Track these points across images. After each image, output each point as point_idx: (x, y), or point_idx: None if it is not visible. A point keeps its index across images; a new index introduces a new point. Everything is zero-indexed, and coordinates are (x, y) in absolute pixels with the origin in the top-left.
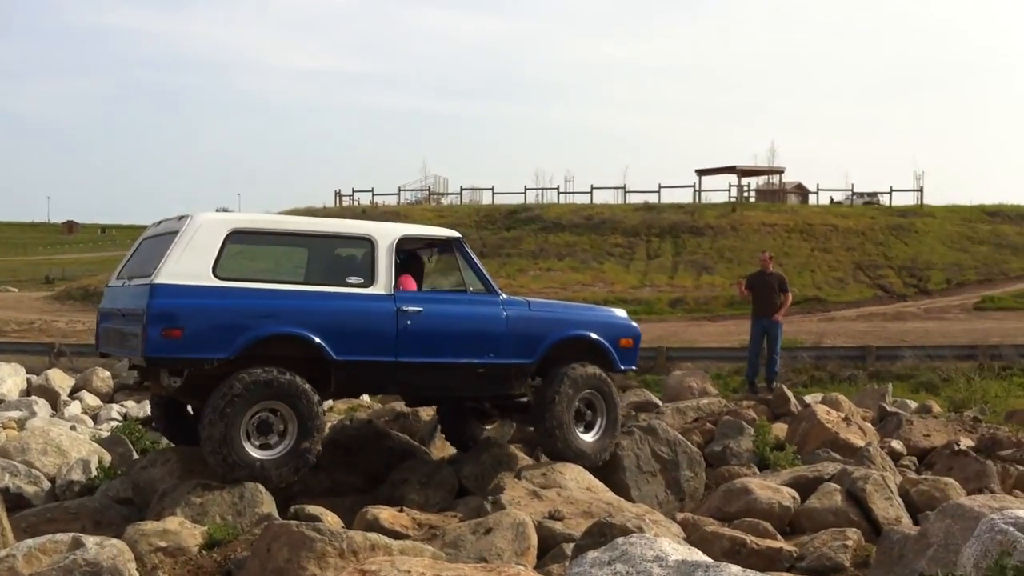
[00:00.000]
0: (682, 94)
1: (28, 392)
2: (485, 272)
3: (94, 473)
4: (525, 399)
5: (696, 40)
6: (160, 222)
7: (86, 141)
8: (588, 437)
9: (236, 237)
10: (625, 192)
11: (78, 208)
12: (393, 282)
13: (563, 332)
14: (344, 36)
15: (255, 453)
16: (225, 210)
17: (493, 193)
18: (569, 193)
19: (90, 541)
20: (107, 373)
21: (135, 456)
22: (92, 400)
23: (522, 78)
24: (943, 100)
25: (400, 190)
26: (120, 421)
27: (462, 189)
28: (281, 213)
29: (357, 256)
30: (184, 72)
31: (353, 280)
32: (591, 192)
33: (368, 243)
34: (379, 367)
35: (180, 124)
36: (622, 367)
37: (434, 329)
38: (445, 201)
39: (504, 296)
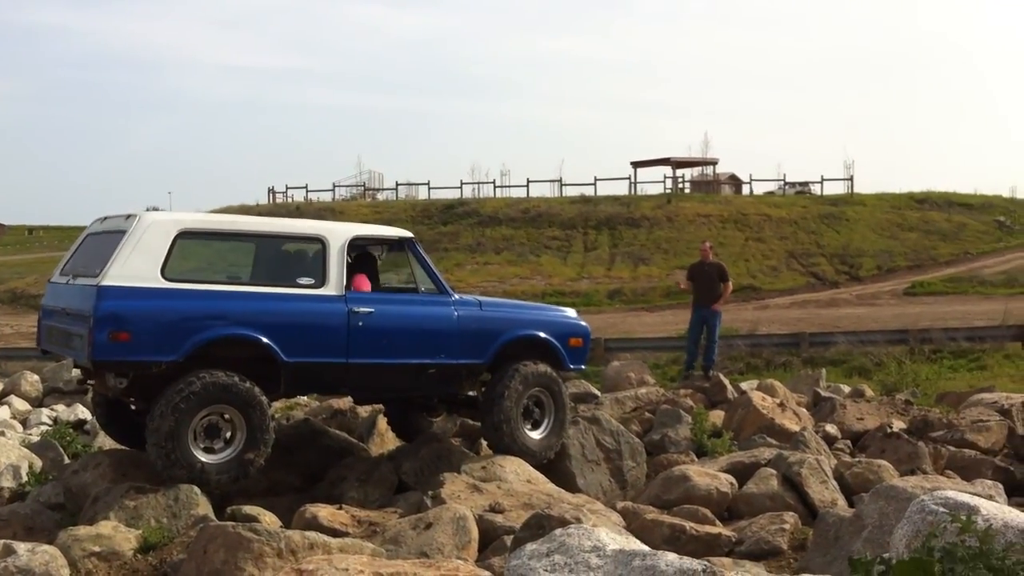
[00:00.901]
0: (616, 87)
1: None
2: (437, 272)
3: (24, 479)
4: (473, 394)
5: (628, 33)
6: (105, 219)
7: (11, 141)
8: (535, 434)
9: (185, 237)
10: (561, 185)
11: (3, 209)
12: (345, 282)
13: (513, 332)
14: (275, 31)
15: (199, 455)
16: (156, 209)
17: (429, 188)
18: (505, 187)
19: (22, 548)
20: (36, 377)
21: (66, 460)
22: (21, 405)
23: (456, 72)
24: (871, 90)
25: (335, 186)
26: (50, 425)
27: (398, 184)
28: (214, 211)
29: (308, 256)
30: (111, 70)
31: (304, 281)
32: (527, 186)
33: (319, 243)
34: (330, 368)
35: (108, 123)
36: (571, 366)
37: (385, 330)
38: (381, 196)
39: (455, 296)
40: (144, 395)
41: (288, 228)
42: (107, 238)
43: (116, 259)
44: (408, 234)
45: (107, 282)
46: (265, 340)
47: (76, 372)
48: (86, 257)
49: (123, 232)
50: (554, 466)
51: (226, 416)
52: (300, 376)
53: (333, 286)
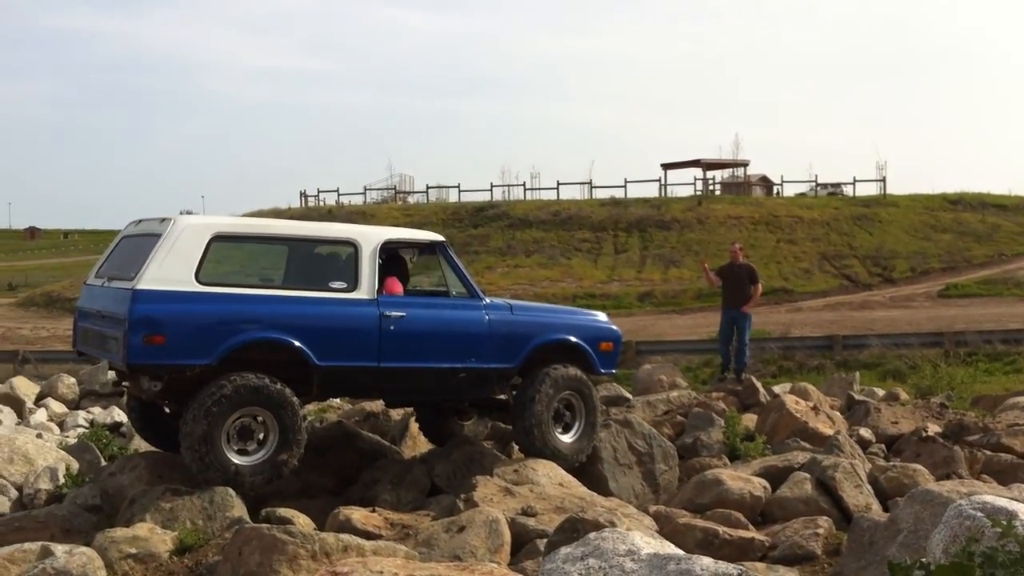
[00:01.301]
0: (646, 88)
1: None
2: (468, 276)
3: (62, 481)
4: (503, 398)
5: (658, 34)
6: (140, 222)
7: (47, 145)
8: (566, 438)
9: (219, 240)
10: (591, 187)
11: (40, 214)
12: (376, 286)
13: (544, 336)
14: (305, 35)
15: (233, 457)
16: (190, 212)
17: (459, 191)
18: (535, 189)
19: (59, 550)
20: (72, 380)
21: (103, 463)
22: (58, 407)
23: (486, 75)
24: (904, 90)
25: (366, 189)
26: (87, 428)
27: (428, 187)
28: (246, 215)
29: (340, 260)
30: (143, 74)
31: (336, 284)
32: (557, 188)
33: (352, 247)
34: (361, 372)
35: (141, 126)
36: (602, 370)
37: (416, 334)
38: (411, 200)
39: (487, 300)
40: (178, 398)
41: (320, 232)
42: (142, 241)
43: (151, 263)
44: (440, 238)
45: (142, 286)
46: (298, 344)
47: (112, 375)
48: (121, 260)
49: (158, 236)
50: (586, 469)
51: (259, 418)
52: (332, 379)
53: (365, 290)
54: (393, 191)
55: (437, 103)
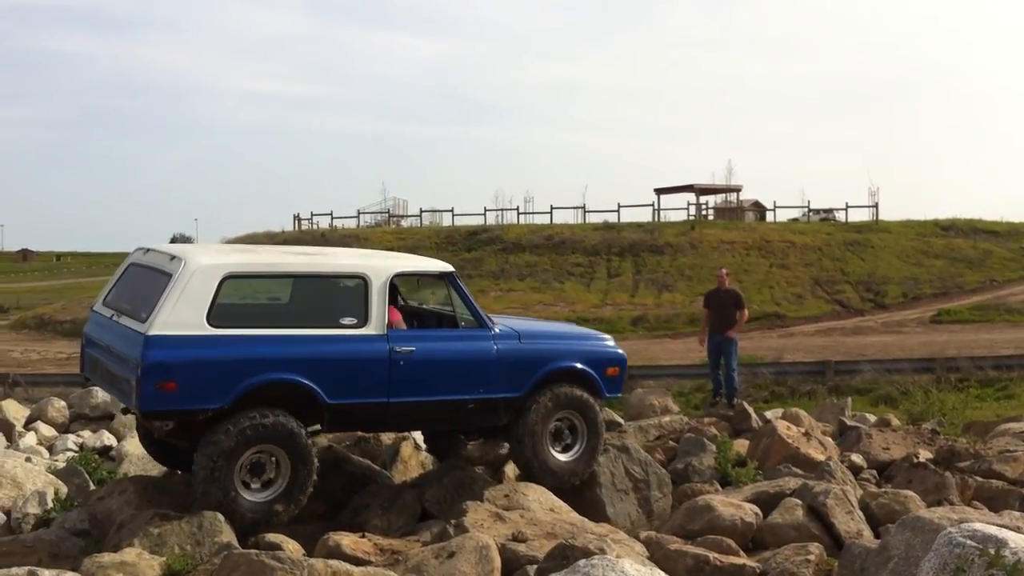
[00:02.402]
0: (639, 114)
1: None
2: (477, 305)
3: (50, 505)
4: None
5: (651, 59)
6: (148, 251)
7: (38, 168)
8: (562, 457)
9: (231, 280)
10: (585, 212)
11: (32, 236)
12: (386, 319)
13: (552, 365)
14: (299, 59)
15: (245, 494)
16: (184, 236)
17: (453, 215)
18: (529, 213)
19: (47, 574)
20: (62, 403)
21: (92, 487)
22: (47, 431)
23: (480, 99)
24: (896, 116)
25: (360, 213)
26: (76, 452)
27: (422, 211)
28: (240, 238)
29: (350, 295)
30: (136, 97)
31: (346, 321)
32: (551, 212)
33: (362, 282)
34: (371, 407)
35: (134, 149)
36: (607, 395)
37: (426, 368)
38: (405, 223)
39: (496, 329)
40: (189, 436)
41: (330, 268)
42: (151, 276)
43: (163, 307)
44: (449, 268)
45: (154, 331)
46: (309, 383)
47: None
48: (130, 292)
49: (168, 275)
50: (584, 494)
51: (272, 456)
52: (342, 415)
53: (375, 325)
54: (387, 215)
55: (431, 127)
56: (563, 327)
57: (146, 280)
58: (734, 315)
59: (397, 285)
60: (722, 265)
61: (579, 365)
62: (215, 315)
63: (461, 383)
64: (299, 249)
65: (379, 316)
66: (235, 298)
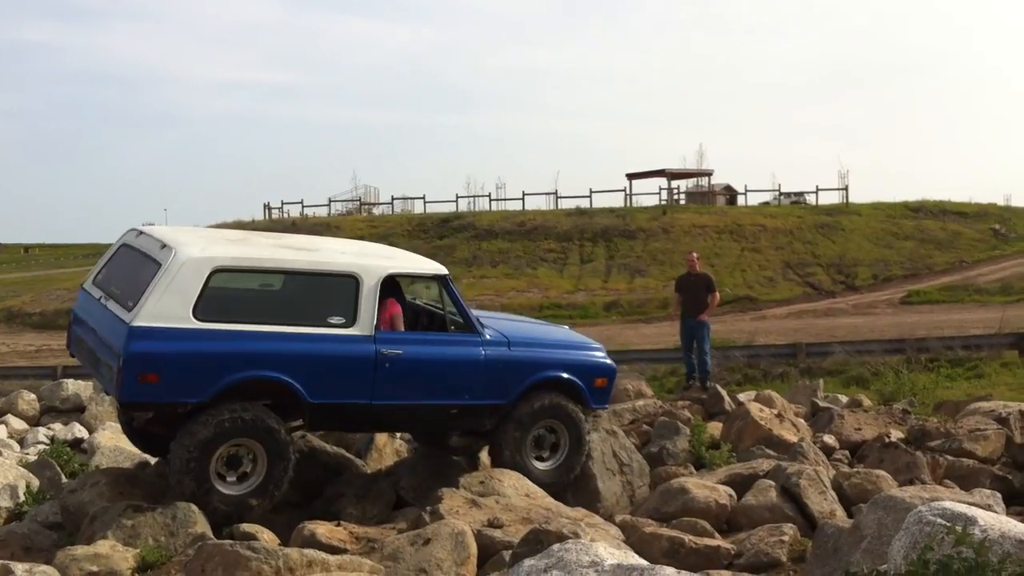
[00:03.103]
0: (610, 98)
1: None
2: (468, 310)
3: (22, 498)
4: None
5: (621, 44)
6: (140, 233)
7: (6, 159)
8: (541, 465)
9: (219, 274)
10: (557, 197)
11: None
12: (375, 320)
13: (540, 374)
14: (269, 47)
15: (220, 487)
16: (151, 225)
17: (425, 202)
18: (501, 200)
19: (19, 568)
20: (33, 396)
21: (64, 480)
22: (18, 424)
23: (449, 86)
24: (866, 99)
25: (331, 201)
26: (47, 444)
27: (393, 199)
28: (210, 227)
29: (340, 294)
30: (103, 87)
31: (334, 320)
32: (523, 199)
33: (353, 281)
34: (354, 408)
35: (102, 139)
36: (593, 405)
37: (412, 372)
38: (377, 211)
39: (485, 335)
40: (169, 426)
41: (322, 265)
42: (141, 261)
43: (149, 297)
44: (443, 271)
45: (139, 322)
46: (291, 381)
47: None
48: (120, 275)
49: (158, 264)
50: None
51: (248, 450)
52: (324, 414)
53: (363, 326)
54: (358, 203)
55: (402, 114)
56: (555, 332)
57: (136, 265)
58: (706, 298)
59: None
60: (692, 249)
61: (566, 375)
62: (201, 308)
63: (447, 389)
64: (293, 241)
65: (367, 316)
66: (222, 290)
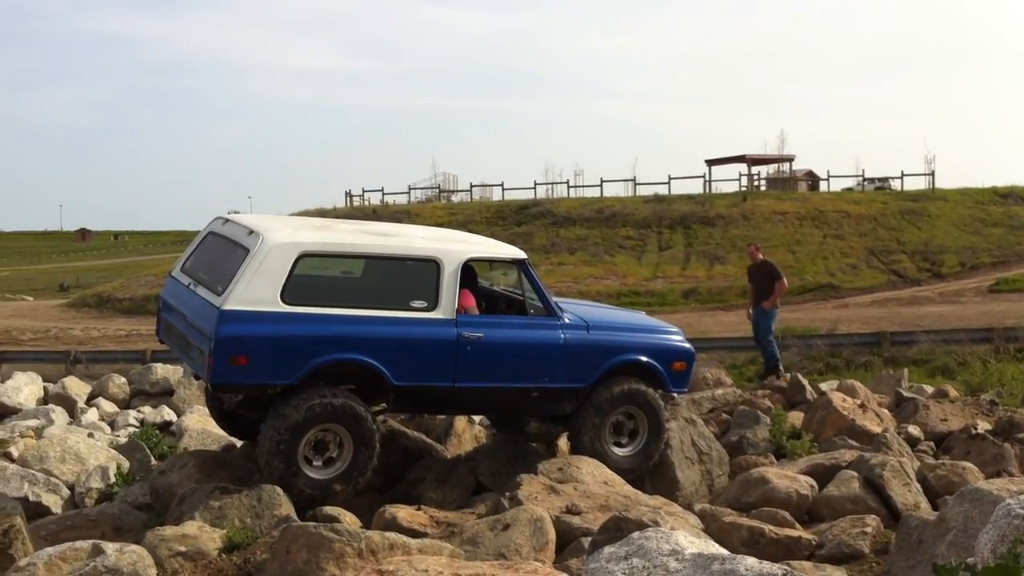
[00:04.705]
0: (690, 84)
1: (45, 400)
2: (547, 293)
3: (112, 480)
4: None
5: (701, 29)
6: (226, 221)
7: (96, 148)
8: (620, 452)
9: (305, 259)
10: (635, 184)
11: (90, 215)
12: (456, 304)
13: (619, 357)
14: (347, 35)
15: (307, 471)
16: (237, 213)
17: (503, 189)
18: (579, 187)
19: (110, 548)
20: (123, 380)
21: (153, 461)
22: (109, 407)
23: (529, 72)
24: (953, 82)
25: (410, 188)
26: (137, 427)
27: (472, 186)
28: (293, 214)
29: (422, 279)
30: (189, 76)
31: (417, 304)
32: (601, 185)
33: (434, 265)
34: (436, 391)
35: (187, 128)
36: (673, 389)
37: (493, 355)
38: (455, 199)
39: (564, 318)
40: (258, 409)
41: (403, 250)
42: (229, 248)
43: (238, 282)
44: (521, 255)
45: (229, 306)
46: (377, 364)
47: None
48: (207, 261)
49: (246, 250)
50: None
51: (335, 434)
52: (407, 397)
53: (445, 309)
54: (437, 190)
55: (480, 102)
56: (632, 317)
57: (224, 251)
58: (770, 287)
59: (473, 268)
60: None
61: (645, 359)
62: (289, 292)
63: (527, 371)
64: (375, 228)
65: (449, 300)
66: (308, 275)
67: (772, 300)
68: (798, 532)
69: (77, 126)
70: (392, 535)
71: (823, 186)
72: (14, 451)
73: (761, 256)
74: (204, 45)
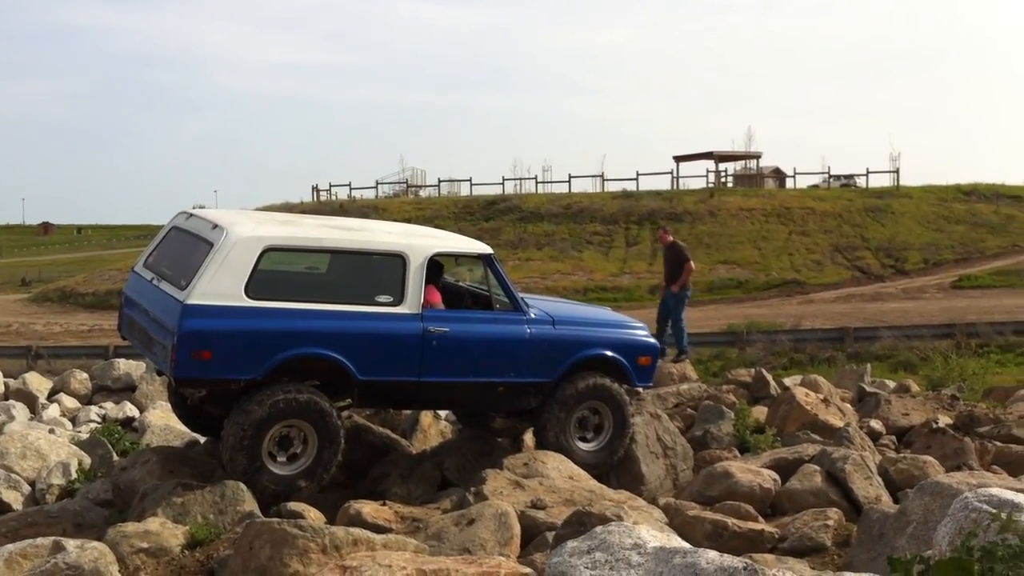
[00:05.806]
0: (658, 81)
1: (6, 396)
2: (513, 288)
3: (74, 476)
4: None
5: (671, 27)
6: (190, 216)
7: (59, 141)
8: (585, 447)
9: (270, 253)
10: (603, 180)
11: (53, 209)
12: (421, 299)
13: (584, 352)
14: (317, 30)
15: (271, 467)
16: (202, 207)
17: (471, 184)
18: (547, 183)
19: (71, 544)
20: (85, 375)
21: (115, 458)
22: (70, 402)
23: (499, 68)
24: (918, 81)
25: (378, 183)
26: (99, 423)
27: (440, 181)
28: (259, 209)
29: (387, 273)
30: (156, 69)
31: (382, 298)
32: (569, 181)
33: (400, 260)
34: (401, 385)
35: (152, 121)
36: (638, 384)
37: (458, 350)
38: (423, 194)
39: (530, 313)
40: (221, 404)
41: (369, 244)
42: (192, 242)
43: (202, 276)
44: (488, 250)
45: (192, 300)
46: (341, 359)
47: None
48: (171, 257)
49: (209, 244)
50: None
51: (299, 430)
52: (372, 392)
53: (410, 304)
54: (405, 185)
55: (449, 97)
56: (598, 312)
57: (187, 246)
58: (680, 270)
59: (440, 263)
60: (663, 225)
61: (610, 353)
62: (253, 287)
63: (493, 366)
64: (340, 222)
65: (415, 295)
66: (273, 269)
67: (680, 282)
68: (761, 525)
69: (40, 119)
70: (356, 531)
71: (789, 183)
72: None
73: (670, 239)
74: (171, 38)
